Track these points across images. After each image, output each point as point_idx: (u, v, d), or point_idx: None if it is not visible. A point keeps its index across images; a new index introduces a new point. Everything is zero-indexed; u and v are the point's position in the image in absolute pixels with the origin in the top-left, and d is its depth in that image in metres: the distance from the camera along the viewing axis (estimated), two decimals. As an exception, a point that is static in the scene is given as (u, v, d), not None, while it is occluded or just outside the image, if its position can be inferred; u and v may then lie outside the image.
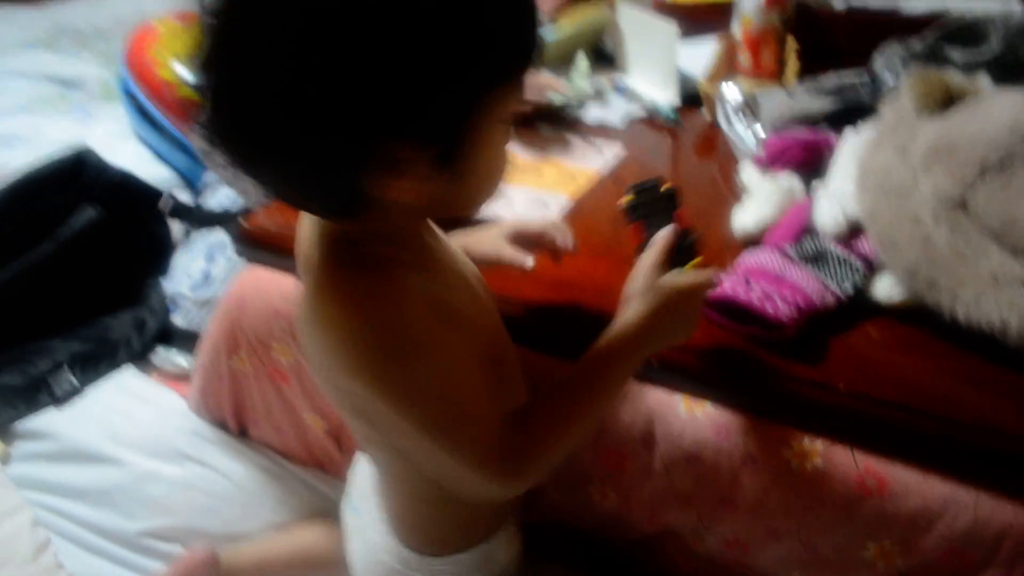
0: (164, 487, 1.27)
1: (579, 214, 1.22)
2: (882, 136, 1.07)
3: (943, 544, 0.83)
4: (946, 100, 1.03)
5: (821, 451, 0.87)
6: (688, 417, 0.91)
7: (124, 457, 1.31)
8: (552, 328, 0.99)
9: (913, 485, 0.83)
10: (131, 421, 1.37)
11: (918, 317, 0.94)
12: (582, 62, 1.59)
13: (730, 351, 0.92)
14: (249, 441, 1.33)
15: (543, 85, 1.47)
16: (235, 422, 1.32)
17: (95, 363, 1.53)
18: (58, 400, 1.45)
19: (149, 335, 1.57)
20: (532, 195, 1.27)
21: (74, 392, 1.46)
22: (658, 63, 1.57)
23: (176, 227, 1.82)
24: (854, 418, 0.86)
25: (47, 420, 1.42)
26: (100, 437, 1.35)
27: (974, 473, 0.83)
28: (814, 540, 0.89)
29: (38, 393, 1.47)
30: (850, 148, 1.14)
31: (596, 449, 0.96)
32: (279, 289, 1.17)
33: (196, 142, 1.84)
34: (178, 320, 1.63)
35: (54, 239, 1.66)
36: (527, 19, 0.62)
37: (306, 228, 0.73)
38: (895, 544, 0.85)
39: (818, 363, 0.90)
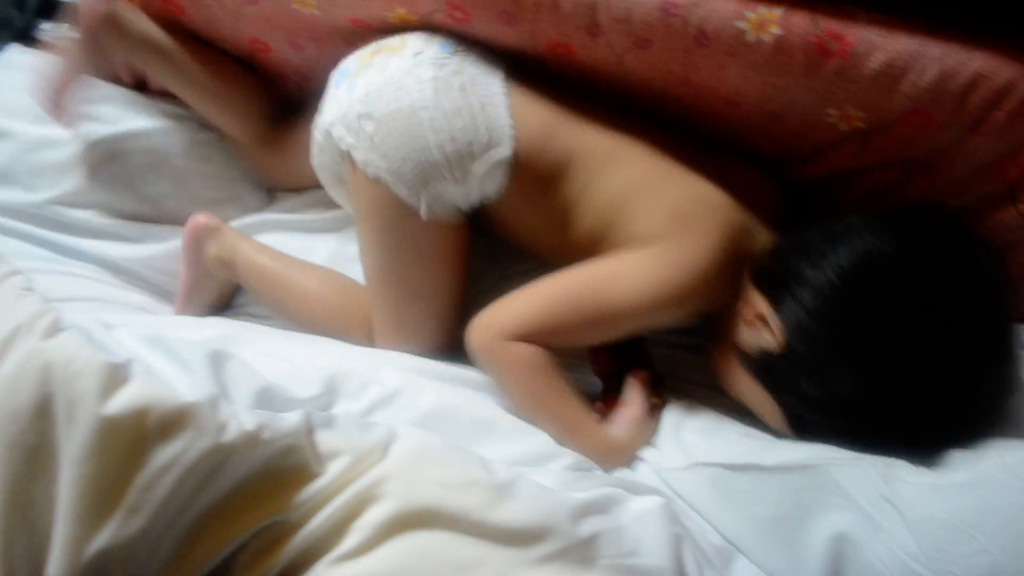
0: (61, 151, 1.15)
1: None
2: None
3: (907, 103, 0.78)
4: None
5: (780, 18, 0.78)
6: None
7: (14, 128, 1.17)
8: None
9: (878, 42, 0.76)
10: (19, 93, 1.21)
11: None
12: None
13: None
14: (151, 95, 1.20)
15: None
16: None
17: (-27, 46, 1.35)
18: (-67, 79, 1.29)
19: (30, 9, 1.39)
20: None
21: (-49, 70, 1.30)
22: None
23: None
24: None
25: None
26: (-14, 111, 1.20)
27: (945, 20, 0.76)
28: (774, 110, 0.83)
29: (-93, 74, 1.30)
30: None
31: (534, 40, 0.86)
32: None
33: None
34: (64, -4, 1.44)
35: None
36: None
37: None
38: (857, 108, 0.80)
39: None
